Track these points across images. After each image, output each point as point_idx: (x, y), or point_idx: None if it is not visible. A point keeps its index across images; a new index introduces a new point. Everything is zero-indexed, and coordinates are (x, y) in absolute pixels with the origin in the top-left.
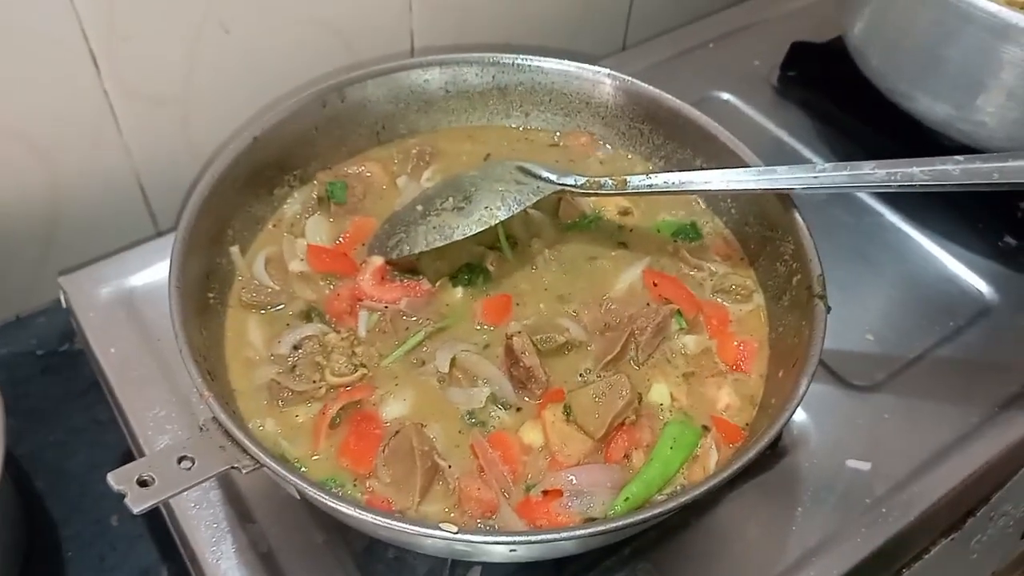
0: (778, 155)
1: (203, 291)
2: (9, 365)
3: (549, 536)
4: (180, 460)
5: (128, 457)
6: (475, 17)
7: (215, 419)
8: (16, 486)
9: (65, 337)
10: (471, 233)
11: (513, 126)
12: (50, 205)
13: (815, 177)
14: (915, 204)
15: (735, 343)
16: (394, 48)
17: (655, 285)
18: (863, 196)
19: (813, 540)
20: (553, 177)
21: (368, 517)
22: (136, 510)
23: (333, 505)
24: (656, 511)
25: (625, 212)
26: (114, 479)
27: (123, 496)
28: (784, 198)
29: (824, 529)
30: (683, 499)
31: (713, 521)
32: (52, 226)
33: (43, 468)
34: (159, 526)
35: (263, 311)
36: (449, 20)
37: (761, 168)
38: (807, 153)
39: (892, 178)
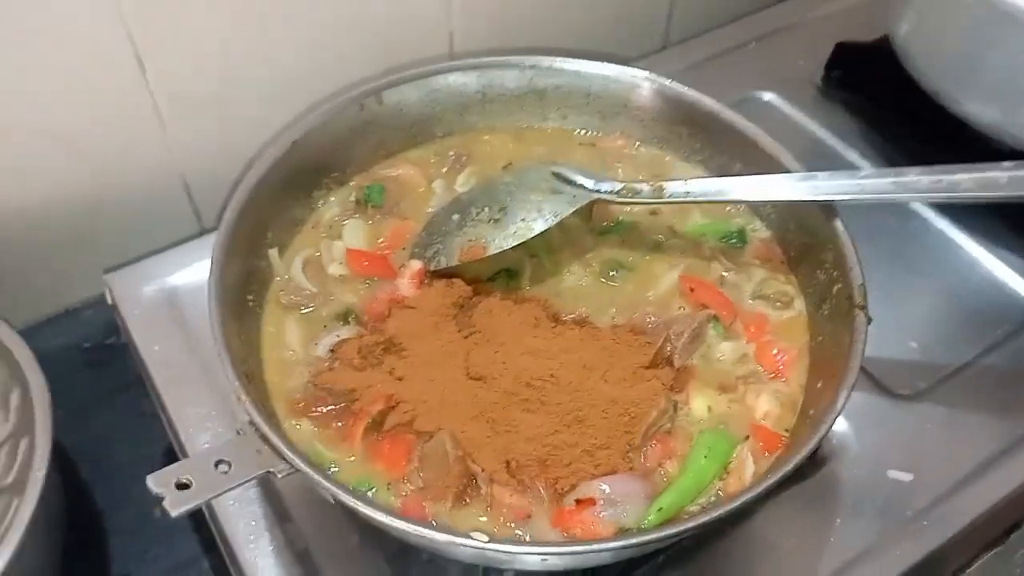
0: (820, 156)
1: (242, 293)
2: (56, 358)
3: (581, 548)
4: (217, 464)
5: (171, 452)
6: (513, 16)
7: (252, 423)
8: (62, 476)
9: (111, 331)
10: (507, 247)
11: (550, 128)
12: (95, 202)
13: (857, 184)
14: (961, 208)
15: (774, 351)
16: (433, 50)
17: (692, 291)
18: None
19: (852, 551)
20: (589, 184)
21: (401, 525)
22: (174, 513)
23: (368, 512)
24: (689, 525)
25: (655, 212)
26: (153, 482)
27: (162, 498)
28: (825, 206)
29: (863, 540)
30: (716, 513)
31: (750, 530)
32: (97, 222)
33: (88, 459)
34: (200, 520)
35: (301, 312)
36: (486, 20)
37: (801, 175)
38: (850, 155)
39: (937, 186)
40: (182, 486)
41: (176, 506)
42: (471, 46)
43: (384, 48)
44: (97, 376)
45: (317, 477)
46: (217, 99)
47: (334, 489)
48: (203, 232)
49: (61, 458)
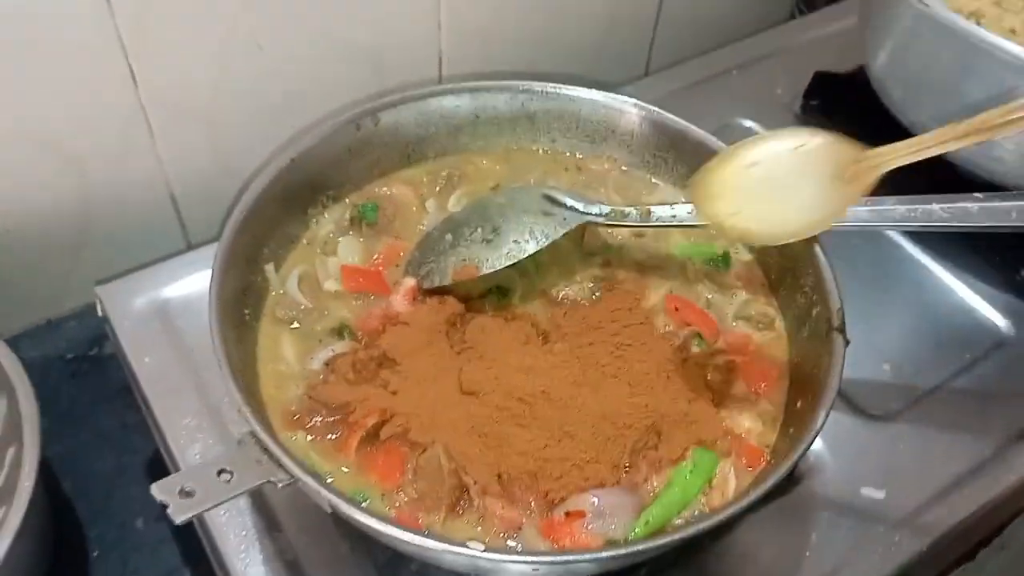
0: None
1: (239, 307)
2: (40, 368)
3: (572, 558)
4: (219, 473)
5: (154, 464)
6: (499, 40)
7: (252, 434)
8: (45, 487)
9: (94, 342)
10: (500, 267)
11: (539, 150)
12: (82, 213)
13: None
14: (934, 236)
15: (755, 370)
16: (422, 72)
17: (676, 310)
18: None
19: (828, 565)
20: (579, 207)
21: (399, 535)
22: (178, 520)
23: (366, 522)
24: (676, 537)
25: (639, 234)
26: (157, 490)
27: (165, 506)
28: None
29: (838, 554)
30: (701, 526)
31: (729, 543)
32: (84, 233)
33: (71, 470)
34: (183, 530)
35: (296, 327)
36: (474, 44)
37: None
38: None
39: (912, 215)
40: (185, 494)
41: (180, 513)
42: (459, 69)
43: (374, 68)
44: (80, 387)
45: (318, 488)
46: (207, 114)
47: (335, 500)
48: (190, 247)
49: (45, 469)
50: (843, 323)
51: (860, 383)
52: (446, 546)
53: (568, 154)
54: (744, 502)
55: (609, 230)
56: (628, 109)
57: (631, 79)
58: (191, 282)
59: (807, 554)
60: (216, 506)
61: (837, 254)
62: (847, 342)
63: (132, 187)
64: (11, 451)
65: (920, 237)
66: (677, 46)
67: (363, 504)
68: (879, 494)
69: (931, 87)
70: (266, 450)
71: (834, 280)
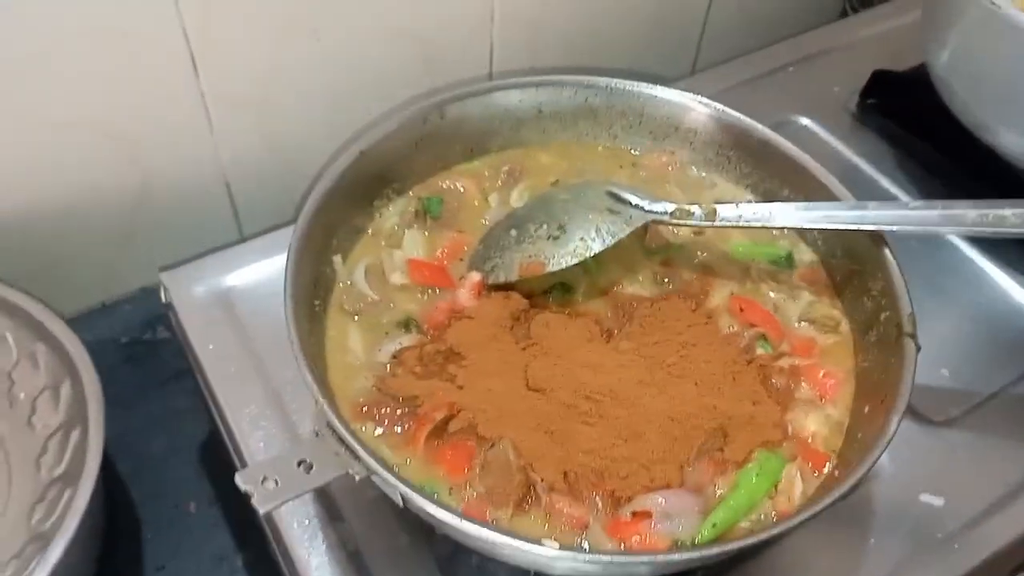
0: (855, 183)
1: (310, 298)
2: (94, 351)
3: (643, 559)
4: (299, 464)
5: (206, 447)
6: (549, 34)
7: (329, 425)
8: (102, 469)
9: (148, 326)
10: (565, 266)
11: (600, 147)
12: (139, 199)
13: (906, 215)
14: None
15: (821, 373)
16: (473, 64)
17: (741, 310)
18: None
19: (883, 573)
20: (644, 205)
21: (476, 531)
22: (262, 510)
23: (441, 517)
24: (748, 541)
25: (698, 232)
26: (241, 480)
27: (249, 496)
28: (874, 234)
29: (895, 562)
30: (774, 531)
31: (785, 548)
32: (139, 219)
33: (125, 452)
34: (234, 515)
35: (363, 318)
36: (525, 36)
37: (851, 204)
38: (885, 183)
39: (984, 220)
40: (267, 484)
41: (264, 503)
42: (509, 62)
43: (426, 59)
44: (134, 370)
45: (395, 481)
46: (263, 105)
47: (411, 494)
48: (242, 237)
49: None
50: (915, 329)
51: (919, 388)
52: (522, 544)
53: (629, 150)
54: (816, 508)
55: (670, 228)
56: (694, 106)
57: (678, 76)
58: (251, 271)
59: (863, 561)
60: (298, 496)
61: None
62: (919, 348)
63: (189, 175)
64: (75, 434)
65: (979, 240)
66: (725, 44)
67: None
68: (938, 501)
69: (996, 88)
70: (343, 443)
71: (905, 284)
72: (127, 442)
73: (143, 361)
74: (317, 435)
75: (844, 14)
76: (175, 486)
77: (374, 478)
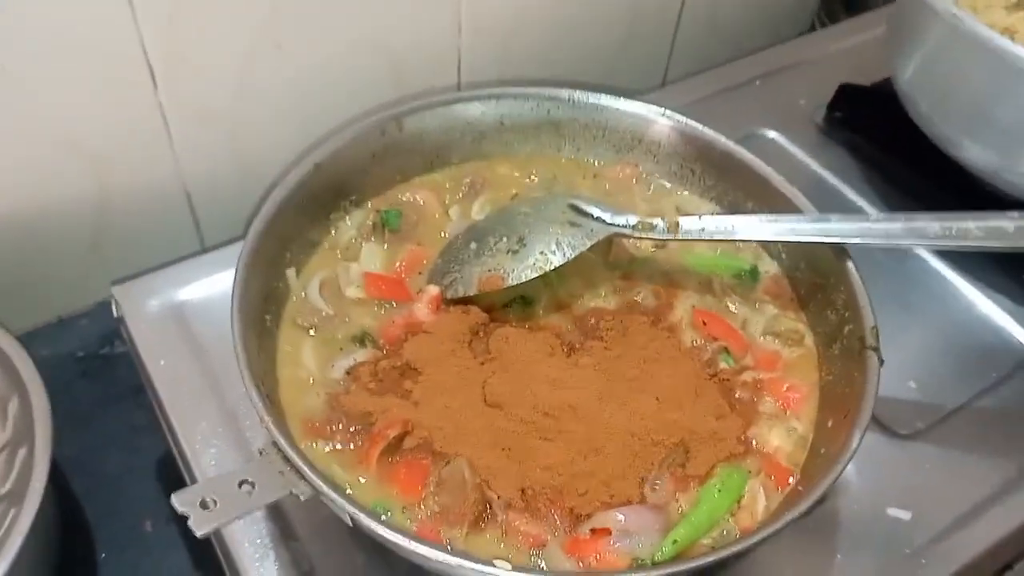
0: (821, 196)
1: (261, 313)
2: (50, 366)
3: None
4: (241, 484)
5: (164, 464)
6: (517, 46)
7: (275, 444)
8: (54, 487)
9: (105, 340)
10: (525, 279)
11: (563, 159)
12: (98, 212)
13: (869, 228)
14: (959, 251)
15: (784, 386)
16: (441, 76)
17: (704, 324)
18: None
19: None
20: (606, 218)
21: (425, 551)
22: (199, 533)
23: (390, 538)
24: (709, 559)
25: (661, 245)
26: (178, 502)
27: (186, 518)
28: (837, 247)
29: None
30: (735, 548)
31: (747, 565)
32: (99, 232)
33: (80, 470)
34: (192, 534)
35: (317, 333)
36: (493, 48)
37: (814, 217)
38: (851, 195)
39: (947, 233)
40: (205, 506)
41: (201, 526)
42: (477, 74)
43: (393, 71)
44: (90, 386)
45: (342, 501)
46: (224, 116)
47: (359, 514)
48: (204, 249)
49: (53, 468)
50: (878, 342)
51: (885, 400)
52: (473, 564)
53: (592, 162)
54: (779, 524)
55: (632, 241)
56: (656, 119)
57: (647, 89)
58: (207, 284)
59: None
60: (238, 518)
61: (859, 267)
62: (882, 362)
63: (148, 187)
64: (22, 451)
65: (944, 252)
66: (696, 55)
67: (384, 517)
68: (905, 515)
69: (961, 102)
70: (288, 462)
71: (868, 298)
72: (82, 460)
73: (99, 376)
74: (261, 454)
75: (812, 28)
76: (132, 504)
77: (321, 498)
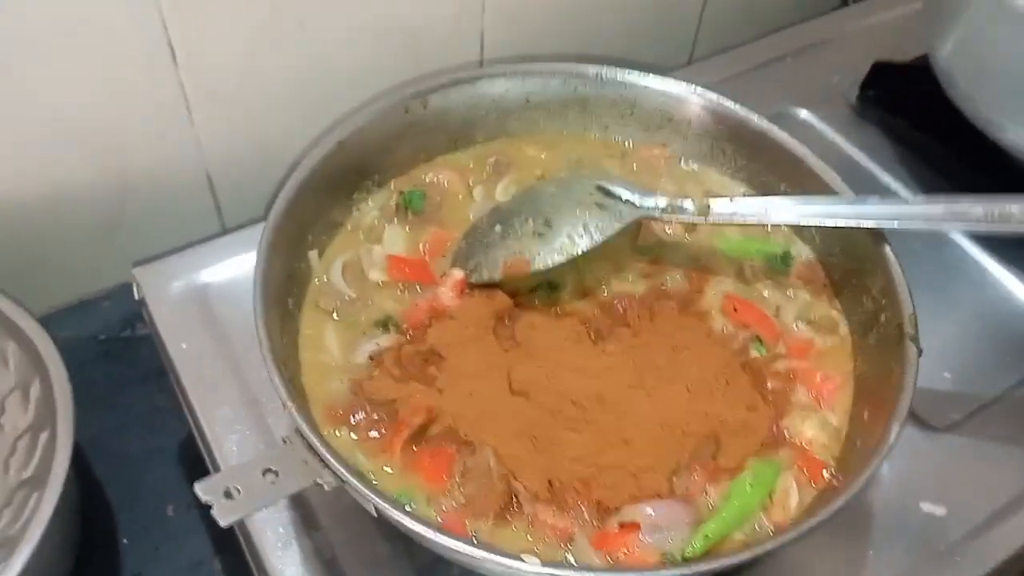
0: (854, 177)
1: (283, 296)
2: (72, 348)
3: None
4: (264, 473)
5: (185, 447)
6: (540, 22)
7: (299, 432)
8: (76, 471)
9: (127, 323)
10: (551, 265)
11: (590, 138)
12: (119, 193)
13: (909, 210)
14: (997, 237)
15: (818, 376)
16: (463, 53)
17: (735, 310)
18: None
19: None
20: (634, 200)
21: (452, 544)
22: (223, 523)
23: (416, 529)
24: (742, 557)
25: (690, 228)
26: (201, 490)
27: (209, 506)
28: (874, 231)
29: (895, 573)
30: (768, 546)
31: (777, 561)
32: (119, 213)
33: (102, 453)
34: (213, 521)
35: (339, 318)
36: (516, 24)
37: (851, 199)
38: (885, 177)
39: (991, 216)
40: (229, 495)
41: (225, 515)
42: (499, 51)
43: (414, 48)
44: (112, 369)
45: (367, 491)
46: (245, 95)
47: (383, 504)
48: (224, 231)
49: (77, 453)
50: (916, 330)
51: (920, 392)
52: (501, 559)
53: (620, 141)
54: (814, 521)
55: (661, 224)
56: (687, 96)
57: (674, 67)
58: (229, 266)
59: (863, 572)
60: (261, 508)
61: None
62: (920, 351)
63: (169, 168)
64: (44, 435)
65: (981, 237)
66: (724, 32)
67: (408, 507)
68: (939, 510)
69: (1001, 81)
70: (313, 450)
71: (906, 284)
72: (104, 443)
73: (121, 358)
74: (285, 442)
75: (844, 3)
76: (153, 488)
77: (347, 488)
